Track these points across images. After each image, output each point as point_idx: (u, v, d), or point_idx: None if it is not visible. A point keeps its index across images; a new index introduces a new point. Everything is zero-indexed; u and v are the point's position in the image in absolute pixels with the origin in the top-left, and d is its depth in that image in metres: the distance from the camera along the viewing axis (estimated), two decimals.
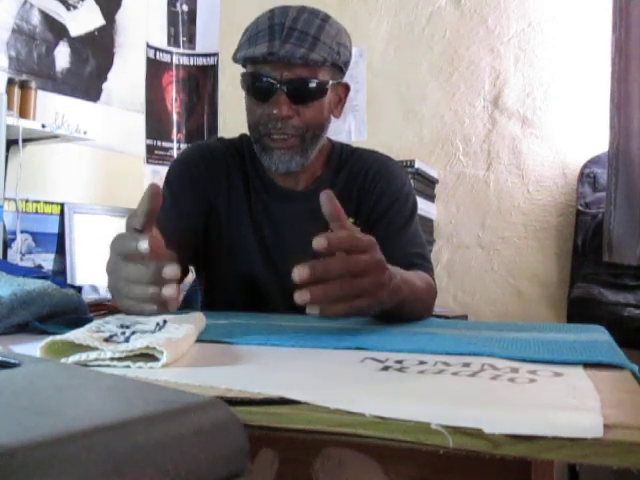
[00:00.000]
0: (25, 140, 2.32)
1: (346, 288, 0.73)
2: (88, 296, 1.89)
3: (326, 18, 1.13)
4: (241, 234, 1.20)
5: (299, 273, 0.70)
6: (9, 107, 2.19)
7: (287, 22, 1.08)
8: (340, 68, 1.16)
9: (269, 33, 1.08)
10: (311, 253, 1.16)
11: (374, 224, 1.17)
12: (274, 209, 1.21)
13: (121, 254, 0.74)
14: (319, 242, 0.71)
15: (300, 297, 0.70)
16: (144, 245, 0.71)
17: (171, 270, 0.71)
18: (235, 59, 1.15)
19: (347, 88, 1.23)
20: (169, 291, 0.71)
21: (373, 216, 1.19)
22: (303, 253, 1.18)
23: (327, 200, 0.77)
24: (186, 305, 1.36)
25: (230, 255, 1.20)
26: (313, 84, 1.10)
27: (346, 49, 1.16)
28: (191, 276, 1.32)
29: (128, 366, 0.56)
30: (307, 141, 1.13)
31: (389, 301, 0.83)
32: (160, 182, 1.12)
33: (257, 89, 1.11)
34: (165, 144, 3.07)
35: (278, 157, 1.13)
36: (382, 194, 1.20)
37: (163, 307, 0.73)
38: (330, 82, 1.14)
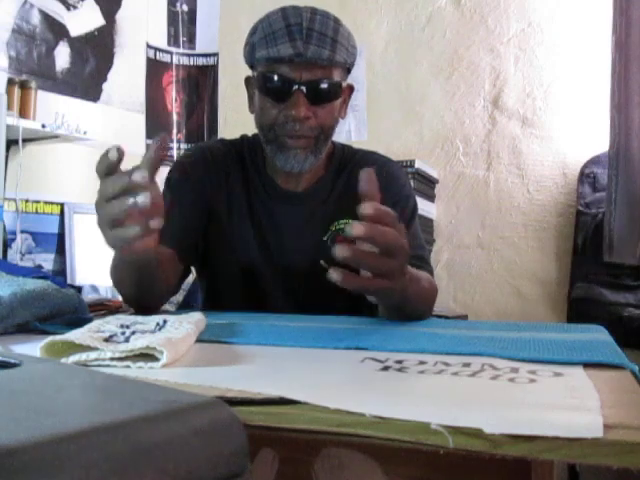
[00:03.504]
0: (25, 140, 2.32)
1: (377, 263, 0.74)
2: (88, 296, 1.89)
3: (337, 20, 1.13)
4: (241, 234, 1.20)
5: (356, 229, 0.69)
6: (9, 107, 2.19)
7: (304, 23, 1.08)
8: (348, 69, 1.17)
9: (287, 33, 1.07)
10: (312, 253, 1.17)
11: None
12: (275, 210, 1.21)
13: (99, 175, 0.74)
14: (366, 208, 0.71)
15: (342, 251, 0.70)
16: (112, 152, 0.71)
17: (140, 173, 0.70)
18: (251, 59, 1.14)
19: (351, 89, 1.23)
20: (143, 198, 0.70)
21: None
22: (303, 253, 1.19)
23: (367, 179, 0.76)
24: (186, 305, 1.36)
25: (230, 255, 1.20)
26: (330, 85, 1.11)
27: (356, 51, 1.18)
28: (192, 276, 1.32)
29: (128, 366, 0.56)
30: (320, 142, 1.14)
31: (400, 293, 0.84)
32: (159, 182, 1.12)
33: (274, 89, 1.10)
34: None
35: (294, 157, 1.13)
36: (383, 195, 1.20)
37: (146, 230, 0.72)
38: (343, 83, 1.14)
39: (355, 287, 0.74)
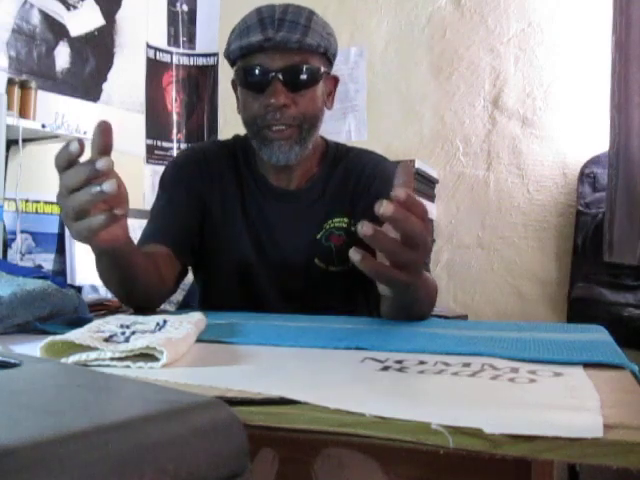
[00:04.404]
0: (25, 140, 2.31)
1: (397, 250, 0.72)
2: (88, 296, 1.89)
3: (312, 11, 1.15)
4: (235, 233, 1.20)
5: (386, 207, 0.67)
6: (9, 107, 2.19)
7: (276, 14, 1.10)
8: (329, 59, 1.17)
9: (260, 25, 1.09)
10: (306, 252, 1.16)
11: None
12: (268, 208, 1.21)
13: (59, 169, 0.73)
14: (400, 192, 0.68)
15: (366, 228, 0.68)
16: (74, 144, 0.70)
17: (105, 161, 0.69)
18: (227, 53, 1.15)
19: (336, 80, 1.23)
20: (110, 186, 0.69)
21: (368, 216, 1.19)
22: (297, 252, 1.19)
23: (404, 172, 0.74)
24: (186, 305, 1.36)
25: (225, 255, 1.20)
26: (308, 71, 1.11)
27: (334, 40, 1.17)
28: (191, 276, 1.32)
29: (128, 366, 0.56)
30: (304, 131, 1.13)
31: (412, 292, 0.83)
32: (155, 184, 1.12)
33: (252, 81, 1.11)
34: (165, 144, 3.07)
35: (278, 148, 1.12)
36: (377, 194, 1.19)
37: (112, 218, 0.72)
38: (322, 69, 1.14)
39: (371, 271, 0.72)
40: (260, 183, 1.22)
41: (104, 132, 0.75)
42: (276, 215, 1.21)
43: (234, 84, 1.21)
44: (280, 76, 1.08)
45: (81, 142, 0.71)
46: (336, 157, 1.24)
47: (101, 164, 0.70)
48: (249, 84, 1.12)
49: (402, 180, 0.74)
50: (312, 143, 1.17)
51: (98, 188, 0.70)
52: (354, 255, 0.69)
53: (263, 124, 1.12)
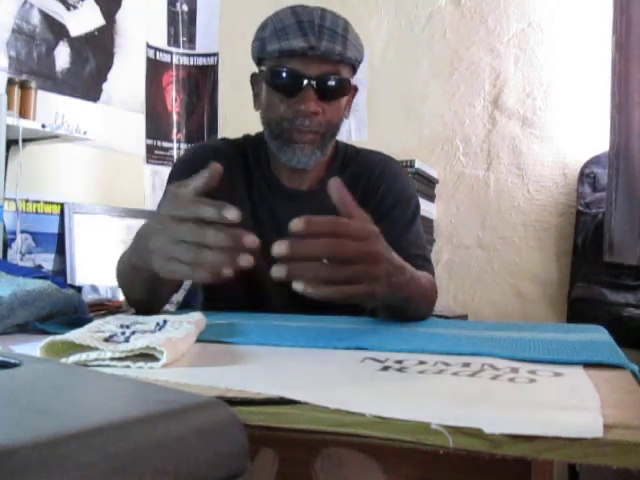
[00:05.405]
0: (25, 140, 2.31)
1: (333, 272, 0.72)
2: (88, 296, 1.88)
3: (346, 20, 1.15)
4: None
5: (277, 248, 0.69)
6: (9, 107, 2.19)
7: (315, 20, 1.09)
8: (355, 70, 1.18)
9: (299, 29, 1.08)
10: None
11: (377, 224, 1.17)
12: (278, 209, 1.21)
13: (187, 217, 0.73)
14: (296, 223, 0.70)
15: (276, 271, 0.69)
16: (233, 213, 0.71)
17: (253, 240, 0.71)
18: (261, 53, 1.13)
19: (356, 89, 1.24)
20: (247, 260, 0.71)
21: (376, 216, 1.18)
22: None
23: (336, 190, 0.76)
24: (186, 305, 1.36)
25: None
26: (339, 82, 1.11)
27: (363, 51, 1.18)
28: None
29: (128, 366, 0.56)
30: (326, 138, 1.14)
31: (390, 296, 0.83)
32: (159, 182, 1.11)
33: (283, 83, 1.10)
34: (165, 144, 3.07)
35: (300, 151, 1.12)
36: (385, 195, 1.20)
37: (215, 275, 0.73)
38: (351, 81, 1.15)
39: (321, 296, 0.72)
40: (272, 183, 1.22)
41: (213, 175, 0.79)
42: (286, 215, 1.20)
43: (254, 78, 1.20)
44: (314, 84, 1.08)
45: (237, 214, 0.71)
46: (346, 158, 1.25)
47: (250, 242, 0.71)
48: (279, 86, 1.11)
49: (337, 197, 0.77)
50: (329, 149, 1.18)
51: (230, 259, 0.71)
52: (297, 286, 0.70)
53: (289, 127, 1.11)
